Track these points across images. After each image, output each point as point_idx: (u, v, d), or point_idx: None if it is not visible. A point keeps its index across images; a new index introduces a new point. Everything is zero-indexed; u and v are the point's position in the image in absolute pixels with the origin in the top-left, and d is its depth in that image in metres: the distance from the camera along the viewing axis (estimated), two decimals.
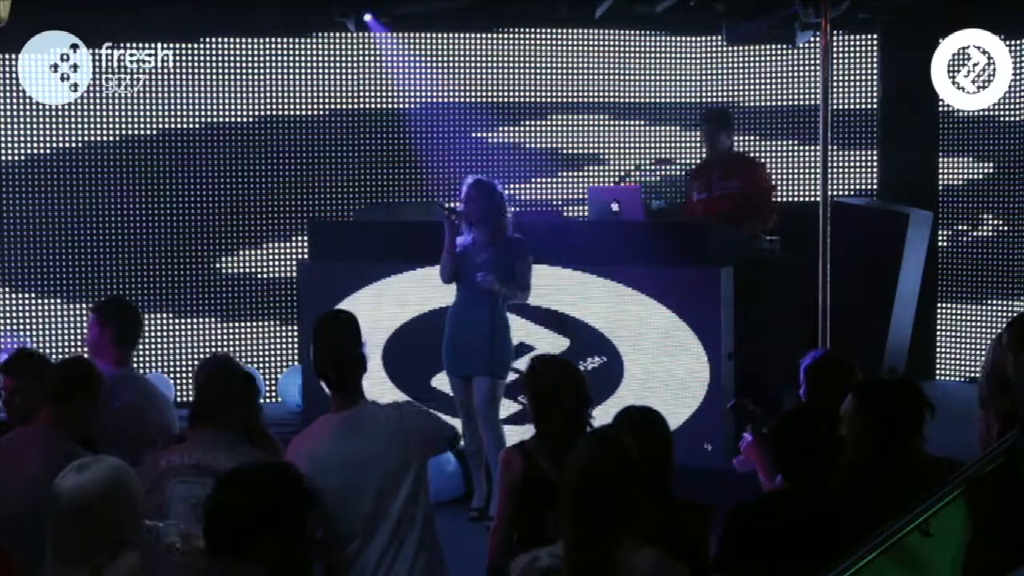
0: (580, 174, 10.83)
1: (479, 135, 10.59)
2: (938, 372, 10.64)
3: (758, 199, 8.79)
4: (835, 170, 9.73)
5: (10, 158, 9.69)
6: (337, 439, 4.48)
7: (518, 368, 8.05)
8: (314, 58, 10.32)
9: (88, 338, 5.73)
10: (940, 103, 10.18)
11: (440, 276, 7.70)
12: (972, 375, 10.48)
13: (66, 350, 9.80)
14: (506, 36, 10.69)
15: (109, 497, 3.41)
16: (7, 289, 9.74)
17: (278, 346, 10.33)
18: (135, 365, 9.90)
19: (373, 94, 10.46)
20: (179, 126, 10.04)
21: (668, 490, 4.26)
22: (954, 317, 10.65)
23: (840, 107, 10.37)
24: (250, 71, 10.17)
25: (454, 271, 7.63)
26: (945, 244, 10.63)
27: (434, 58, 10.53)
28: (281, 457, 4.63)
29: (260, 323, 10.35)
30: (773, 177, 9.65)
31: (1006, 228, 10.43)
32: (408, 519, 4.49)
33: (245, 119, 10.19)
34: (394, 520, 4.47)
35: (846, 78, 10.64)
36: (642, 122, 10.96)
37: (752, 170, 9.04)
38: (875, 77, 10.69)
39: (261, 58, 10.19)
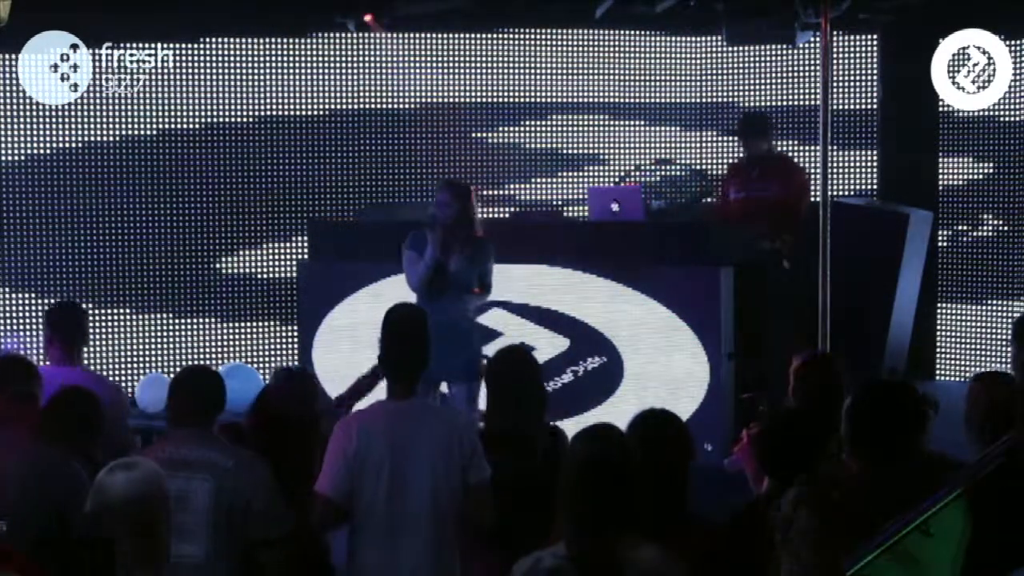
0: (580, 174, 10.83)
1: (479, 135, 10.59)
2: (938, 372, 10.64)
3: (790, 202, 8.72)
4: (835, 170, 9.72)
5: (10, 158, 9.68)
6: (390, 422, 4.60)
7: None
8: (314, 58, 10.31)
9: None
10: (940, 103, 10.18)
11: (410, 283, 7.27)
12: (972, 375, 10.48)
13: None
14: (506, 36, 10.69)
15: (158, 497, 3.47)
16: (7, 289, 9.74)
17: (278, 346, 10.33)
18: (136, 365, 10.01)
19: (373, 94, 10.46)
20: (179, 126, 10.04)
21: (684, 503, 4.17)
22: (954, 317, 10.65)
23: (840, 107, 10.37)
24: (250, 71, 10.17)
25: (429, 282, 7.24)
26: (945, 244, 10.63)
27: (434, 58, 10.52)
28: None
29: (260, 323, 10.35)
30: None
31: (1006, 228, 10.43)
32: (433, 519, 4.54)
33: (245, 119, 10.19)
34: (423, 518, 4.52)
35: (846, 78, 10.63)
36: (642, 122, 10.96)
37: (790, 174, 8.97)
38: (875, 77, 10.68)
39: (261, 58, 10.19)
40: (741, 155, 9.33)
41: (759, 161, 8.85)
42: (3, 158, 9.67)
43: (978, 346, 10.51)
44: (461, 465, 4.57)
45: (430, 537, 4.54)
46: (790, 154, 10.60)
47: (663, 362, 8.05)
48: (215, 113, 10.12)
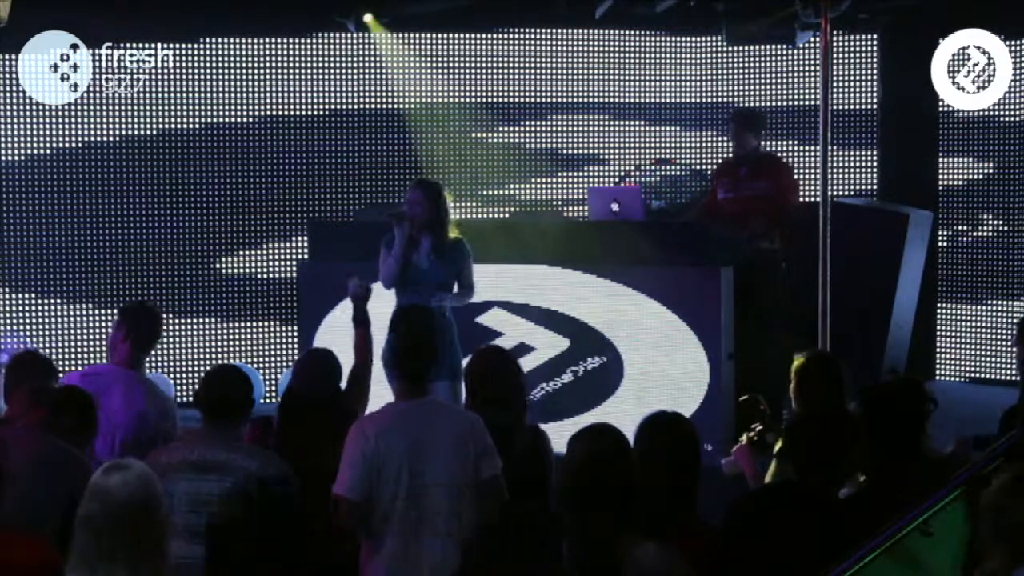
0: (580, 174, 10.83)
1: (479, 135, 10.59)
2: (938, 372, 10.64)
3: (780, 200, 8.75)
4: (835, 170, 9.72)
5: (10, 158, 9.68)
6: (405, 422, 4.60)
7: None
8: (314, 58, 10.32)
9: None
10: (940, 103, 10.18)
11: (382, 281, 7.30)
12: (972, 375, 10.49)
13: (66, 350, 9.80)
14: (506, 36, 10.69)
15: (155, 497, 3.47)
16: (7, 289, 9.74)
17: (278, 346, 10.33)
18: None
19: (373, 94, 10.46)
20: (179, 126, 10.04)
21: (694, 504, 4.13)
22: (954, 317, 10.65)
23: (840, 107, 10.37)
24: (250, 71, 10.17)
25: (399, 277, 7.27)
26: (945, 244, 10.63)
27: (434, 58, 10.53)
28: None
29: (260, 323, 10.35)
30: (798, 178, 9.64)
31: (1006, 228, 10.43)
32: (454, 517, 4.54)
33: (245, 119, 10.19)
34: (442, 516, 4.53)
35: (846, 78, 10.63)
36: (642, 122, 10.96)
37: (780, 172, 8.99)
38: (875, 77, 10.68)
39: (261, 58, 10.19)
40: (730, 154, 9.34)
41: (747, 160, 8.86)
42: (3, 158, 9.67)
43: (978, 346, 10.51)
44: (475, 462, 4.58)
45: (449, 535, 4.54)
46: (791, 154, 10.62)
47: (663, 362, 8.04)
48: (215, 113, 10.12)
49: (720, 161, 9.87)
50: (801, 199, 9.10)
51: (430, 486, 4.54)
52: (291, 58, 10.26)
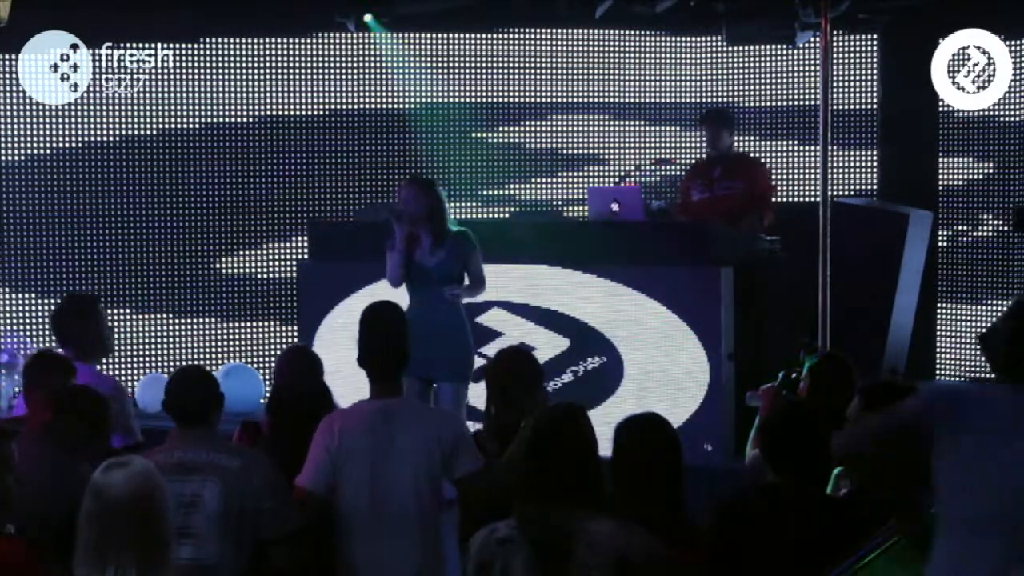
0: (580, 174, 10.83)
1: (479, 135, 10.59)
2: (938, 372, 10.63)
3: (758, 199, 8.83)
4: (835, 170, 9.72)
5: (10, 158, 9.68)
6: (372, 421, 4.60)
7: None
8: (314, 58, 10.32)
9: None
10: (940, 103, 10.17)
11: (390, 281, 7.33)
12: (972, 375, 10.48)
13: None
14: (506, 36, 10.69)
15: (156, 492, 3.47)
16: (7, 289, 9.75)
17: (278, 346, 10.32)
18: (136, 365, 10.01)
19: (373, 94, 10.47)
20: (179, 126, 10.04)
21: (680, 501, 4.11)
22: (954, 317, 10.64)
23: (840, 107, 10.36)
24: (250, 71, 10.17)
25: (406, 274, 7.29)
26: (945, 244, 10.62)
27: (434, 58, 10.53)
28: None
29: (260, 323, 10.35)
30: (773, 177, 9.67)
31: (1006, 228, 10.42)
32: (418, 518, 4.54)
33: (245, 119, 10.19)
34: (407, 517, 4.52)
35: (846, 78, 10.63)
36: (642, 122, 10.96)
37: (754, 170, 9.06)
38: (875, 77, 10.68)
39: (261, 58, 10.19)
40: (706, 152, 9.36)
41: (720, 159, 8.91)
42: (3, 158, 9.67)
43: (978, 346, 10.49)
44: (443, 463, 4.56)
45: (416, 537, 4.54)
46: (790, 154, 10.64)
47: (663, 362, 8.04)
48: (215, 113, 10.12)
49: (691, 162, 9.87)
50: (789, 198, 9.16)
51: (395, 487, 4.53)
52: (291, 58, 10.27)
